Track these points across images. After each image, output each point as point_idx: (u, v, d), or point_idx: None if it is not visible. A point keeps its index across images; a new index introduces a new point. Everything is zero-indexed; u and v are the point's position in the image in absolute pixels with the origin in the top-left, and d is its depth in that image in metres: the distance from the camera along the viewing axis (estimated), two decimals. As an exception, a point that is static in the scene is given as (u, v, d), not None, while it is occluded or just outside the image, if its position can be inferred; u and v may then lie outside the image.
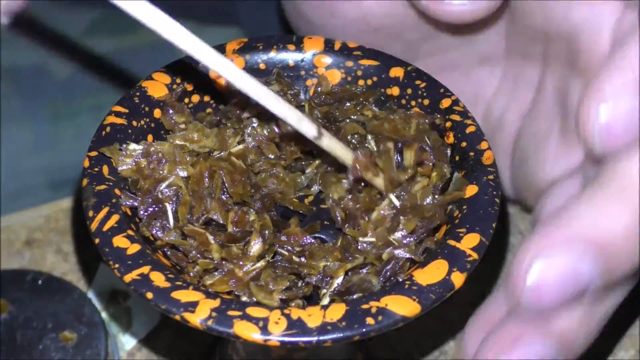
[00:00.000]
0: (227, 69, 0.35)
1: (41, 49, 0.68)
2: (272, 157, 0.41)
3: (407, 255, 0.37)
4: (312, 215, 0.40)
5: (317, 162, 0.41)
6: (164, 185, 0.38)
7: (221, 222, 0.38)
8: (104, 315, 0.49)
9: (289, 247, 0.38)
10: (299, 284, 0.37)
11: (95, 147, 0.39)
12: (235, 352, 0.45)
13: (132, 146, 0.39)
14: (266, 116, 0.40)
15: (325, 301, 0.37)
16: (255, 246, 0.37)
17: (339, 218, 0.39)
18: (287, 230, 0.38)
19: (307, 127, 0.37)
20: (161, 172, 0.39)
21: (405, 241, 0.38)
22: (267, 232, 0.37)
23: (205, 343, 0.49)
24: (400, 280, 0.36)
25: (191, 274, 0.37)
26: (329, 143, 0.38)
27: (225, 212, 0.38)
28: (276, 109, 0.36)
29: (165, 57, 0.44)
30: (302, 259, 0.38)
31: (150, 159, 0.39)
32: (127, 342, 0.50)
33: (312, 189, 0.41)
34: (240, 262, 0.37)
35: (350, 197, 0.39)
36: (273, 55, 0.43)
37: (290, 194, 0.41)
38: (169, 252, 0.38)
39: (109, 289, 0.51)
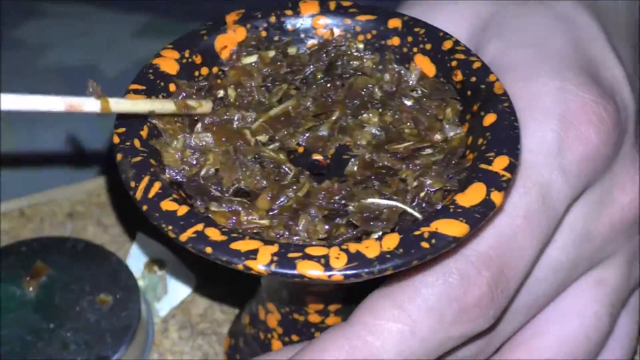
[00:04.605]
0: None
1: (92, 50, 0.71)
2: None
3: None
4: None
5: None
6: (203, 171, 0.40)
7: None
8: (140, 283, 0.51)
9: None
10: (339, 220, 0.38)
11: (121, 124, 0.39)
12: (263, 306, 0.45)
13: (175, 143, 0.40)
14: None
15: (376, 235, 0.37)
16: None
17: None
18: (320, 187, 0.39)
19: (90, 105, 0.37)
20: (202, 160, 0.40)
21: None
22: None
23: (234, 312, 0.51)
24: (444, 206, 0.37)
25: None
26: (122, 106, 0.38)
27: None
28: (51, 107, 0.36)
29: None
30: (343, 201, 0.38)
31: (192, 151, 0.40)
32: (162, 309, 0.52)
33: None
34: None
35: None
36: (273, 21, 0.44)
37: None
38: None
39: (144, 259, 0.53)
